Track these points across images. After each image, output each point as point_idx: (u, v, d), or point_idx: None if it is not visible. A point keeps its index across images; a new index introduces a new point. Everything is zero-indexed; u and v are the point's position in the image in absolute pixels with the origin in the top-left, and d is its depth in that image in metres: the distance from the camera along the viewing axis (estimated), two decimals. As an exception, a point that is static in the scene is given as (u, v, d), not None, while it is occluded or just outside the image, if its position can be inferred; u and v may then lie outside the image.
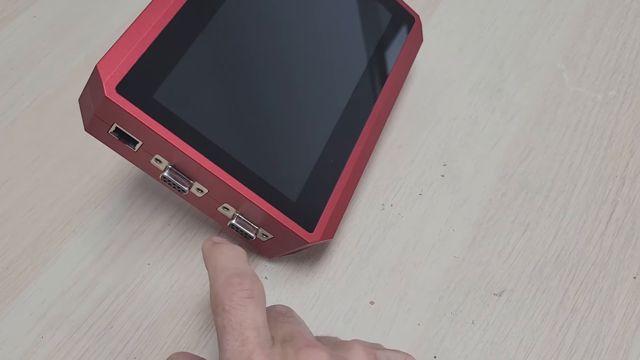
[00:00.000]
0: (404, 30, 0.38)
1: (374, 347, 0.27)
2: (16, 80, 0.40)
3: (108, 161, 0.37)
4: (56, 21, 0.43)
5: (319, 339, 0.27)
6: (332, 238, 0.31)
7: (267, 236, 0.31)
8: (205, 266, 0.26)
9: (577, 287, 0.32)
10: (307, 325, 0.27)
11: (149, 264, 0.33)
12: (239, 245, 0.33)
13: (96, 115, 0.27)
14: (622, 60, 0.42)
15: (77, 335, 0.30)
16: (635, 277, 0.33)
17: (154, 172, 0.29)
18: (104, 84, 0.26)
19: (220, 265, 0.25)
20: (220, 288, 0.24)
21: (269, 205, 0.29)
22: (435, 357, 0.30)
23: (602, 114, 0.39)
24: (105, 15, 0.43)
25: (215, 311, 0.24)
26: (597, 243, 0.34)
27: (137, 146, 0.28)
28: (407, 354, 0.27)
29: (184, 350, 0.30)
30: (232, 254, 0.25)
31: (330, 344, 0.26)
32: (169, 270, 0.33)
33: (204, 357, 0.27)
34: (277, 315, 0.26)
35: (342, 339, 0.30)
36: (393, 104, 0.36)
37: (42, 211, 0.35)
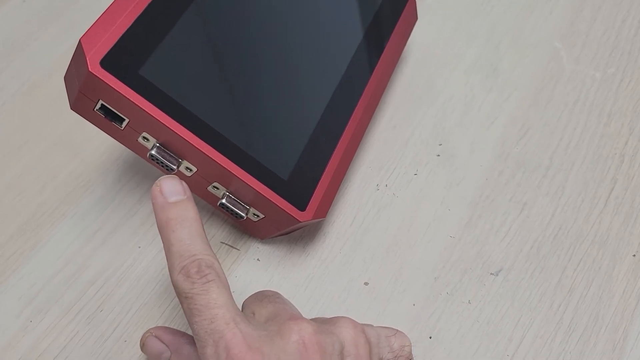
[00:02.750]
0: (398, 7, 0.37)
1: (360, 323, 0.26)
2: (5, 65, 0.40)
3: (97, 145, 0.36)
4: (46, 6, 0.42)
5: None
6: (324, 217, 0.30)
7: (258, 216, 0.30)
8: (159, 232, 0.25)
9: (575, 265, 0.32)
10: (295, 307, 0.27)
11: (139, 247, 0.32)
12: (230, 227, 0.33)
13: (81, 91, 0.26)
14: (621, 38, 0.41)
15: (66, 319, 0.30)
16: (634, 255, 0.32)
17: (141, 151, 0.28)
18: (87, 58, 0.25)
19: (173, 248, 0.24)
20: (178, 279, 0.24)
21: (260, 183, 0.28)
22: (430, 338, 0.30)
23: (600, 91, 0.38)
24: (95, 0, 0.43)
25: (179, 298, 0.24)
26: (596, 221, 0.33)
27: (124, 124, 0.27)
28: (397, 330, 0.27)
29: None
30: (184, 233, 0.24)
31: (319, 321, 0.26)
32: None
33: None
34: (263, 297, 0.26)
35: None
36: (387, 83, 0.36)
37: (31, 195, 0.34)
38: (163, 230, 0.25)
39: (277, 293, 0.28)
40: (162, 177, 0.26)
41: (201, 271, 0.23)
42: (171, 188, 0.25)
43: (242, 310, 0.27)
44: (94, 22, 0.26)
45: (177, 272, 0.24)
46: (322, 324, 0.25)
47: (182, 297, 0.23)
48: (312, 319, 0.27)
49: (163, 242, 0.25)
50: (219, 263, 0.24)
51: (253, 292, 0.31)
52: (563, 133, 0.37)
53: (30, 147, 0.36)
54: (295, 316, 0.24)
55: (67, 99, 0.37)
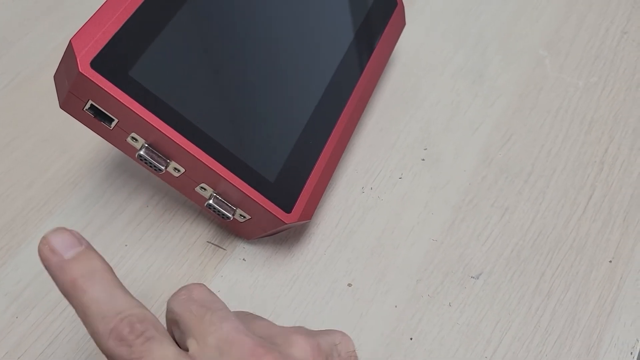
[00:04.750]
0: (386, 13, 0.38)
1: (311, 335, 0.23)
2: (-6, 59, 0.40)
3: (87, 142, 0.36)
4: (37, 0, 0.42)
5: (242, 318, 0.23)
6: (310, 219, 0.31)
7: (244, 217, 0.31)
8: (66, 298, 0.21)
9: (553, 270, 0.33)
10: (226, 306, 0.23)
11: (126, 245, 0.33)
12: (217, 227, 0.33)
13: (71, 91, 0.26)
14: (604, 47, 0.42)
15: (52, 315, 0.30)
16: (610, 261, 0.33)
17: (130, 150, 0.29)
18: (78, 59, 0.25)
19: (91, 311, 0.20)
20: (109, 345, 0.20)
21: (247, 185, 0.29)
22: (411, 339, 0.30)
23: (582, 100, 0.39)
24: (86, -5, 0.43)
25: None
26: (575, 227, 0.34)
27: (113, 124, 0.28)
28: (342, 333, 0.24)
29: None
30: (99, 290, 0.21)
31: (264, 334, 0.23)
32: (146, 251, 0.33)
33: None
34: (202, 314, 0.22)
35: (320, 320, 0.31)
36: (374, 87, 0.36)
37: (19, 191, 0.34)
38: (71, 294, 0.21)
39: (207, 293, 0.23)
40: (46, 233, 0.22)
41: (134, 330, 0.20)
42: (63, 241, 0.21)
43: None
44: (84, 22, 0.26)
45: (105, 338, 0.20)
46: (276, 344, 0.22)
47: None
48: (243, 314, 0.24)
49: (75, 308, 0.21)
50: (150, 312, 0.21)
51: (239, 292, 0.31)
52: (545, 140, 0.37)
53: (19, 143, 0.36)
54: (256, 351, 0.21)
55: (56, 95, 0.37)
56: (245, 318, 0.24)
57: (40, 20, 0.41)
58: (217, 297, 0.23)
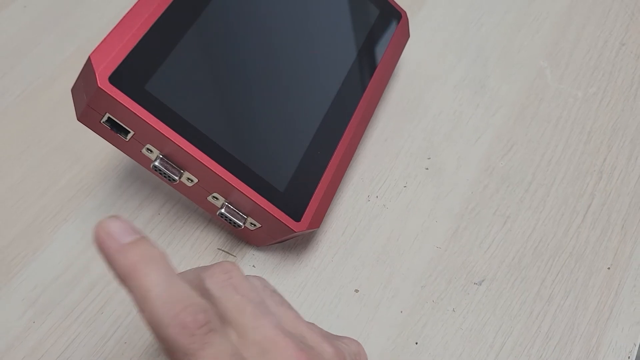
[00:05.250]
0: (391, 26, 0.39)
1: (332, 341, 0.24)
2: (7, 69, 0.40)
3: (99, 151, 0.37)
4: (47, 11, 0.43)
5: (272, 301, 0.24)
6: (318, 227, 0.32)
7: (255, 225, 0.31)
8: (122, 284, 0.21)
9: (553, 276, 0.34)
10: (260, 293, 0.23)
11: (139, 252, 0.33)
12: (227, 234, 0.34)
13: (89, 105, 0.27)
14: (603, 58, 0.43)
15: (68, 320, 0.31)
16: (609, 268, 0.34)
17: (145, 161, 0.30)
18: (97, 74, 0.26)
19: (151, 295, 0.20)
20: (170, 333, 0.19)
21: (258, 195, 0.30)
22: (416, 343, 0.31)
23: (582, 110, 0.40)
24: (97, 6, 0.44)
25: (175, 357, 0.20)
26: (574, 235, 0.35)
27: (129, 136, 0.28)
28: (358, 342, 0.25)
29: None
30: (160, 277, 0.20)
31: (295, 331, 0.23)
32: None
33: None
34: (243, 306, 0.22)
35: (328, 325, 0.31)
36: (379, 99, 0.37)
37: (33, 199, 0.35)
38: (130, 277, 0.20)
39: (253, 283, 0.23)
40: (101, 220, 0.21)
41: (198, 320, 0.20)
42: (121, 228, 0.21)
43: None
44: (102, 39, 0.27)
45: (165, 324, 0.19)
46: (307, 345, 0.22)
47: (181, 355, 0.19)
48: (291, 332, 0.23)
49: (132, 292, 0.20)
50: (210, 306, 0.21)
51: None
52: (546, 149, 0.39)
53: (32, 152, 0.37)
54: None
55: (69, 104, 0.38)
56: (274, 302, 0.24)
57: (51, 31, 0.42)
58: (251, 283, 0.23)
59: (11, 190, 0.35)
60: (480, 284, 0.33)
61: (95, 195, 0.35)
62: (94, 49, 0.27)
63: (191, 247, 0.34)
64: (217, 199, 0.31)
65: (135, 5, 0.29)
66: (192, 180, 0.30)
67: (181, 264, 0.33)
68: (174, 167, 0.29)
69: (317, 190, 0.32)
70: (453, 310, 0.32)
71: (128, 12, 0.28)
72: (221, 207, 0.31)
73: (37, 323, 0.31)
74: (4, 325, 0.31)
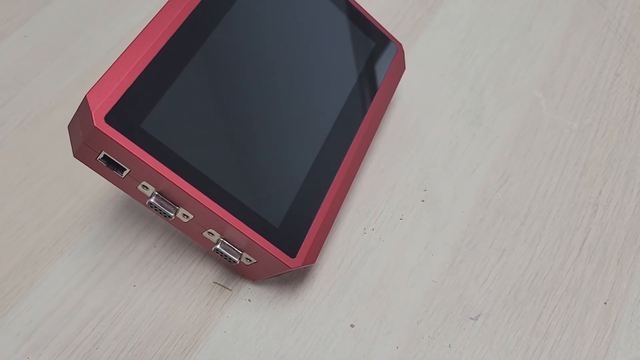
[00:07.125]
0: (387, 59, 0.39)
1: None
2: (6, 99, 0.41)
3: (96, 183, 0.37)
4: (47, 41, 0.44)
5: None
6: (314, 263, 0.32)
7: (250, 260, 0.31)
8: None
9: (550, 311, 0.34)
10: None
11: (134, 286, 0.34)
12: (223, 267, 0.34)
13: (85, 143, 0.27)
14: (598, 89, 0.43)
15: (63, 355, 0.31)
16: (605, 303, 0.34)
17: (140, 197, 0.30)
18: (93, 114, 0.27)
19: None
20: None
21: (253, 231, 0.30)
22: (412, 380, 0.31)
23: (577, 141, 0.41)
24: (96, 36, 0.44)
25: None
26: (570, 269, 0.35)
27: (125, 173, 0.29)
28: None
29: None
30: None
31: None
32: (154, 291, 0.33)
33: None
34: None
35: (323, 361, 0.31)
36: (375, 131, 0.37)
37: (30, 231, 0.35)
38: None
39: None
40: None
41: None
42: None
43: None
44: (99, 78, 0.28)
45: None
46: None
47: None
48: None
49: None
50: None
51: (244, 332, 0.32)
52: (541, 181, 0.39)
53: (29, 183, 0.37)
54: None
55: (67, 135, 0.39)
56: None
57: (50, 61, 0.43)
58: None
59: (8, 221, 0.35)
60: (476, 319, 0.33)
61: (91, 228, 0.35)
62: (91, 87, 0.27)
63: (187, 281, 0.34)
64: (212, 234, 0.31)
65: (132, 43, 0.29)
66: (187, 217, 0.30)
67: (177, 297, 0.33)
68: (170, 204, 0.30)
69: (312, 225, 0.32)
70: (449, 346, 0.32)
71: (124, 52, 0.28)
72: (217, 243, 0.31)
73: (31, 359, 0.31)
74: (-2, 361, 0.31)
